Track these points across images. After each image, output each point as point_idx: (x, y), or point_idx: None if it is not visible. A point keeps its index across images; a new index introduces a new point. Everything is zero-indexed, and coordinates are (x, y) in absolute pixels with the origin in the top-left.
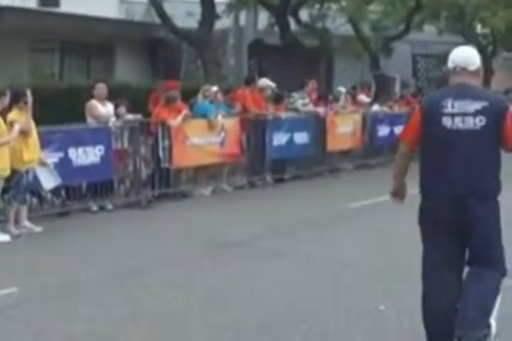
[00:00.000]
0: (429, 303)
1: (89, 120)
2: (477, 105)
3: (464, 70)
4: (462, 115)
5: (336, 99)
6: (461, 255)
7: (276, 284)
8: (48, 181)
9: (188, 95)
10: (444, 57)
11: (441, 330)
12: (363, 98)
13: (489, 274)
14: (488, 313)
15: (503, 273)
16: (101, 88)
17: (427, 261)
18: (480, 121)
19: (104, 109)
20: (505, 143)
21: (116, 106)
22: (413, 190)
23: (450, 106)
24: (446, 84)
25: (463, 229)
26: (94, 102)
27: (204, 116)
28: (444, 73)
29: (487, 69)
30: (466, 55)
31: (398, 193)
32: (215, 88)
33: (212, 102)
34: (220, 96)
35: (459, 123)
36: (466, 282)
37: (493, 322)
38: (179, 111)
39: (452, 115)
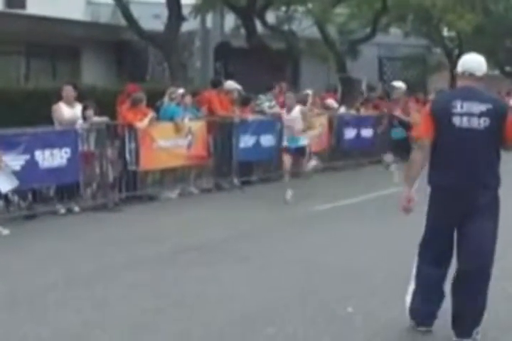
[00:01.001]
0: (417, 300)
1: (56, 123)
2: (482, 107)
3: (471, 75)
4: (469, 115)
5: (303, 102)
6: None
7: (244, 287)
8: (4, 184)
9: (155, 97)
10: (410, 60)
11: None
12: (332, 102)
13: (481, 278)
14: (482, 317)
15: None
16: (68, 90)
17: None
18: (484, 122)
19: (71, 111)
20: (505, 142)
21: (84, 109)
22: (384, 191)
23: (459, 106)
24: (414, 87)
25: (462, 221)
26: (60, 105)
27: (171, 118)
28: (413, 77)
29: (454, 72)
30: (475, 62)
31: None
32: (181, 90)
33: (179, 105)
34: (188, 98)
35: (466, 122)
36: (459, 286)
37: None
38: (145, 114)
39: (461, 115)
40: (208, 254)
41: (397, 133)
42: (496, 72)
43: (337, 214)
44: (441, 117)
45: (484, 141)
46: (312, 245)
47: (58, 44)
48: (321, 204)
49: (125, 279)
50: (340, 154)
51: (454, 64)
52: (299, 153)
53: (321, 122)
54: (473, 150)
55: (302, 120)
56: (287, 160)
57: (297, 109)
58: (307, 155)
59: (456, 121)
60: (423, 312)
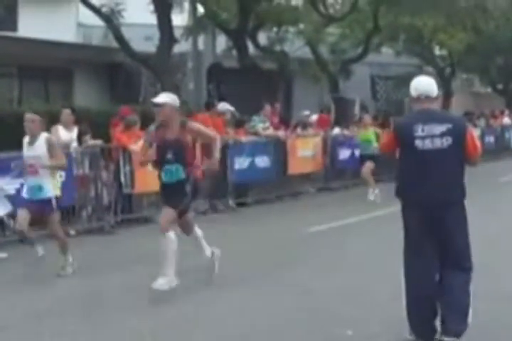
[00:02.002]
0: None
1: None
2: (443, 127)
3: (427, 98)
4: (431, 137)
5: (302, 124)
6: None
7: (240, 310)
8: None
9: (148, 119)
10: (402, 79)
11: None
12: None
13: (462, 276)
14: (466, 315)
15: (470, 267)
16: (66, 114)
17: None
18: (446, 141)
19: (68, 134)
20: (467, 159)
21: (79, 134)
22: (380, 211)
23: (420, 130)
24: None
25: (436, 234)
26: (57, 127)
27: None
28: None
29: (447, 91)
30: (428, 84)
31: None
32: None
33: None
34: None
35: (428, 144)
36: (445, 284)
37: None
38: (139, 137)
39: (423, 138)
40: (201, 278)
41: None
42: (489, 90)
43: (333, 235)
44: (403, 140)
45: (449, 158)
46: (308, 267)
47: (50, 66)
48: (316, 225)
49: (122, 302)
50: (335, 175)
51: (446, 82)
52: None
53: (314, 143)
54: (439, 168)
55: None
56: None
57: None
58: None
59: (419, 144)
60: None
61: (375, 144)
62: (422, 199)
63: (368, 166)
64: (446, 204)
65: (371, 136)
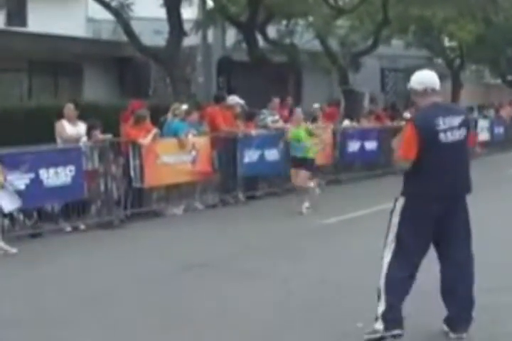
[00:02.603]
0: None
1: (59, 140)
2: (459, 119)
3: (433, 91)
4: (451, 129)
5: (312, 117)
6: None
7: (253, 303)
8: (8, 203)
9: (158, 113)
10: (412, 71)
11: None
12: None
13: (470, 270)
14: (472, 307)
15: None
16: (69, 108)
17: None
18: (463, 132)
19: (74, 129)
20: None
21: (89, 129)
22: (390, 203)
23: (442, 123)
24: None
25: (444, 223)
26: (62, 123)
27: (174, 134)
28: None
29: (456, 83)
30: (432, 77)
31: None
32: (184, 107)
33: (183, 121)
34: (195, 115)
35: (450, 136)
36: (452, 278)
37: None
38: (149, 130)
39: (445, 131)
40: (215, 271)
41: None
42: (498, 81)
43: (344, 227)
44: (427, 134)
45: (464, 148)
46: (318, 259)
47: (60, 61)
48: (326, 217)
49: (132, 297)
50: (344, 167)
51: (455, 74)
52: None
53: (324, 135)
54: (459, 159)
55: None
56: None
57: None
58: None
59: (442, 137)
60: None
61: (306, 144)
62: (444, 191)
63: (303, 176)
64: (463, 194)
65: (301, 133)
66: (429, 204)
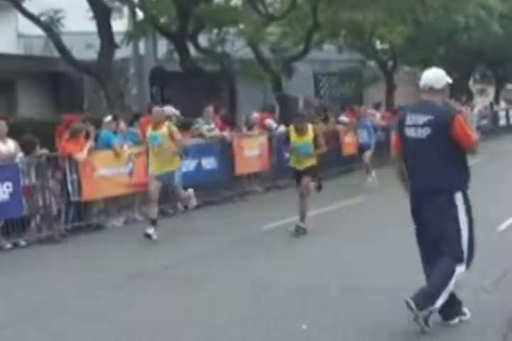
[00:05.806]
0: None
1: None
2: (425, 118)
3: (431, 88)
4: (415, 126)
5: (249, 125)
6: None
7: (196, 310)
8: None
9: (94, 127)
10: (345, 75)
11: None
12: (270, 122)
13: (442, 260)
14: (434, 297)
15: (458, 259)
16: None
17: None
18: (426, 131)
19: (4, 146)
20: (462, 146)
21: (25, 145)
22: (330, 206)
23: (409, 119)
24: (351, 101)
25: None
26: None
27: (107, 145)
28: (349, 91)
29: (389, 84)
30: (432, 76)
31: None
32: (108, 118)
33: (115, 133)
34: (122, 124)
35: (413, 132)
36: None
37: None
38: (84, 144)
39: (410, 126)
40: (159, 280)
41: None
42: None
43: (283, 233)
44: (400, 127)
45: (428, 148)
46: (261, 265)
47: None
48: (266, 224)
49: (78, 309)
50: (282, 173)
51: (389, 76)
52: None
53: (260, 142)
54: (421, 157)
55: None
56: None
57: None
58: None
59: (407, 132)
60: None
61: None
62: (413, 187)
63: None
64: (430, 193)
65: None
66: (410, 198)
